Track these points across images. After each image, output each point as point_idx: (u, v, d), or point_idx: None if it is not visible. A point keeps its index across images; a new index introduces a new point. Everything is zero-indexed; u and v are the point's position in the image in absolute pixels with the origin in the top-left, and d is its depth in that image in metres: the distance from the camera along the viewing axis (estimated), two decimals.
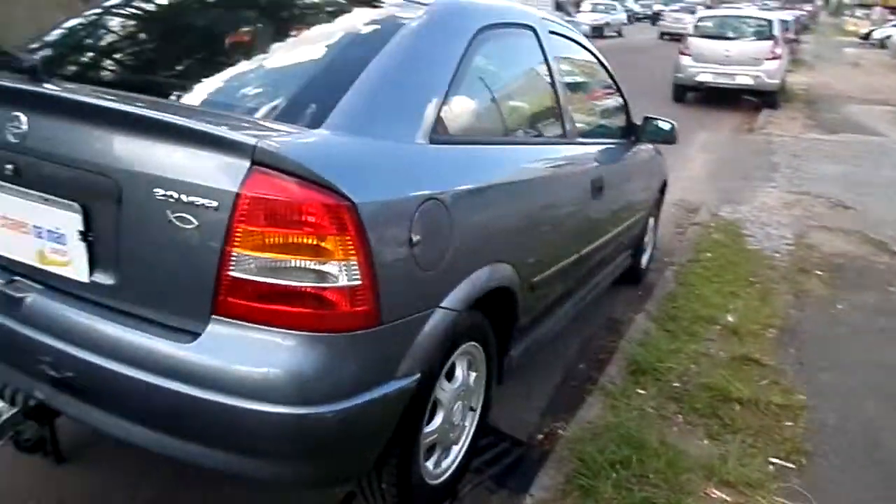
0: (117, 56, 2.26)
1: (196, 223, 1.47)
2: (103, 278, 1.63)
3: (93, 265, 1.64)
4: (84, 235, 1.63)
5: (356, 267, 1.48)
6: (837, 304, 4.14)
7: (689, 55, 11.76)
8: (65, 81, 1.88)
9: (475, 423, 2.28)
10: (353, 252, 1.48)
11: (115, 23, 2.40)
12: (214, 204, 1.45)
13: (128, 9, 2.42)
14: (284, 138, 1.52)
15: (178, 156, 1.49)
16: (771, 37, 11.40)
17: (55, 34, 2.28)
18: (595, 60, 3.38)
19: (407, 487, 1.90)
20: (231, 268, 1.47)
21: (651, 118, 3.61)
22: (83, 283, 1.66)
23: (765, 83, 11.37)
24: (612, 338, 3.69)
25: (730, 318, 3.81)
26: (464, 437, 2.24)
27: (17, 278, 1.76)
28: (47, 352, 1.66)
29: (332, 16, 2.16)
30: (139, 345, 1.55)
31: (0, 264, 1.80)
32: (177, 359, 1.51)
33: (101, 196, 1.57)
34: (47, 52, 2.12)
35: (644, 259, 4.57)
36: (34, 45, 2.19)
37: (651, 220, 4.52)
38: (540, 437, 2.83)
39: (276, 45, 2.01)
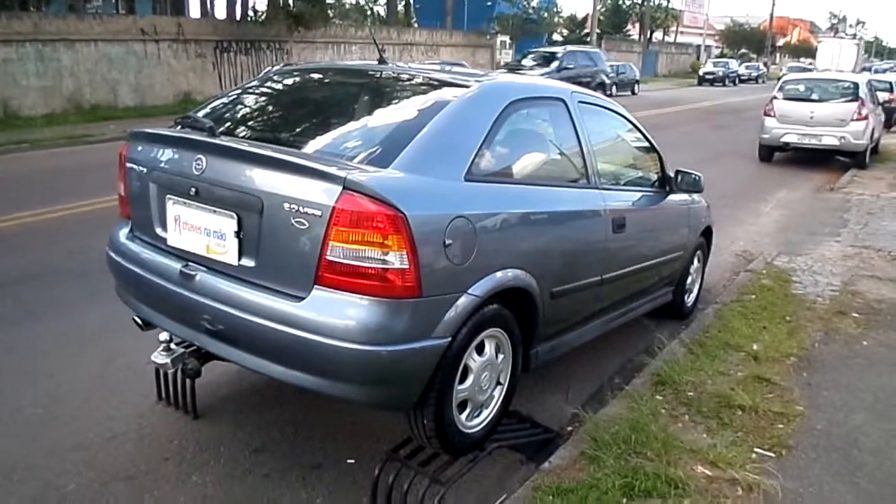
0: (260, 119, 3.24)
1: (308, 225, 2.33)
2: (247, 262, 2.52)
3: (241, 254, 2.53)
4: (237, 234, 2.52)
5: (406, 256, 2.29)
6: (864, 342, 4.53)
7: (773, 116, 12.12)
8: (228, 136, 2.83)
9: (502, 396, 2.99)
10: (404, 246, 2.28)
11: (253, 98, 3.43)
12: (319, 213, 2.30)
13: (262, 88, 3.43)
14: (363, 174, 2.37)
15: (298, 183, 2.37)
16: (856, 98, 11.59)
17: (216, 104, 3.27)
18: (630, 125, 4.11)
19: (441, 426, 2.64)
20: (328, 254, 2.30)
21: (681, 171, 4.26)
22: (233, 265, 2.55)
23: (850, 144, 11.54)
24: (648, 360, 4.27)
25: (754, 347, 4.31)
26: (492, 405, 2.95)
27: (191, 263, 2.68)
28: (208, 311, 2.55)
29: (408, 93, 3.08)
30: (267, 304, 2.42)
31: (180, 255, 2.73)
32: (290, 313, 2.36)
33: (249, 208, 2.47)
34: (213, 116, 3.09)
35: (690, 298, 5.13)
36: (203, 112, 3.17)
37: (696, 263, 5.08)
38: (569, 428, 3.48)
39: (365, 113, 2.92)
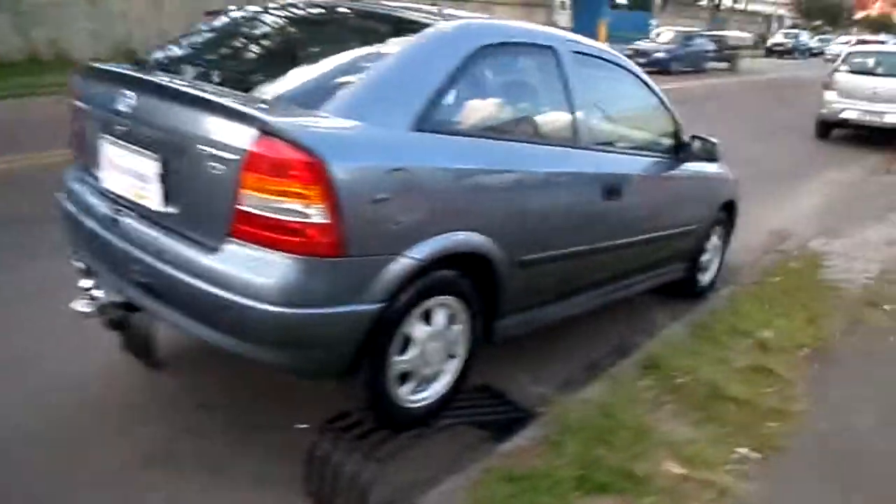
0: (204, 59, 3.01)
1: (223, 170, 2.11)
2: (170, 208, 2.32)
3: (164, 199, 2.33)
4: (161, 178, 2.32)
5: (326, 209, 2.04)
6: (891, 337, 4.12)
7: (833, 90, 11.32)
8: (166, 74, 2.61)
9: (456, 370, 2.74)
10: (325, 199, 2.04)
11: (204, 38, 3.17)
12: (234, 157, 2.07)
13: (213, 32, 3.18)
14: (285, 116, 2.13)
15: (217, 123, 2.14)
16: None
17: (170, 45, 3.05)
18: (641, 82, 3.72)
19: (377, 398, 2.42)
20: (241, 203, 2.08)
21: (697, 136, 3.88)
22: (157, 211, 2.36)
23: None
24: (646, 341, 3.96)
25: (765, 334, 3.94)
26: (444, 379, 2.71)
27: (122, 208, 2.50)
28: (133, 259, 2.37)
29: (368, 32, 2.80)
30: (181, 254, 2.22)
31: (113, 198, 2.55)
32: (201, 264, 2.16)
33: (171, 150, 2.26)
34: (168, 55, 2.88)
35: (706, 277, 4.74)
36: (158, 52, 2.97)
37: (714, 239, 4.69)
38: (542, 409, 3.22)
39: (312, 54, 2.67)
